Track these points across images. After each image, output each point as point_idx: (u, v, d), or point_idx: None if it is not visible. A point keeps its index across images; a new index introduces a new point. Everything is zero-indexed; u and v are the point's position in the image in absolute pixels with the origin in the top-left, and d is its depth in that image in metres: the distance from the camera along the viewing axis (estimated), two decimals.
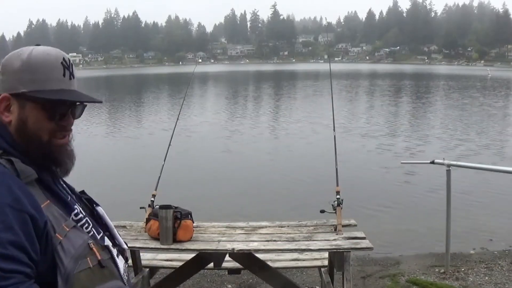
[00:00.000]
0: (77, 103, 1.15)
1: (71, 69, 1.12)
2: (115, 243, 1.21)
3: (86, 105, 1.19)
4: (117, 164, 11.96)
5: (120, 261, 1.16)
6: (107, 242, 1.15)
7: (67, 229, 1.01)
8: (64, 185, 1.18)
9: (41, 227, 0.95)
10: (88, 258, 1.02)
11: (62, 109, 1.11)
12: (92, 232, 1.10)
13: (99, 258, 1.04)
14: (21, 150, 1.06)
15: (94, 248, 1.04)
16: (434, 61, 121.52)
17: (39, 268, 0.93)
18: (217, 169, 10.91)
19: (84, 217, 1.11)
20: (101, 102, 1.24)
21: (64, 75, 1.10)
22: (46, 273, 0.95)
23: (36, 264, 0.92)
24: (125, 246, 1.26)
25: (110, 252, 1.10)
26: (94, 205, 1.24)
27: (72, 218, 1.07)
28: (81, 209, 1.13)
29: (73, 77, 1.13)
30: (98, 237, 1.12)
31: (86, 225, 1.11)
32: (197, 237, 3.19)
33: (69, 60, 1.12)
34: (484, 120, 18.43)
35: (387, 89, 36.89)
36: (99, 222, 1.22)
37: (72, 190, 1.21)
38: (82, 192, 1.24)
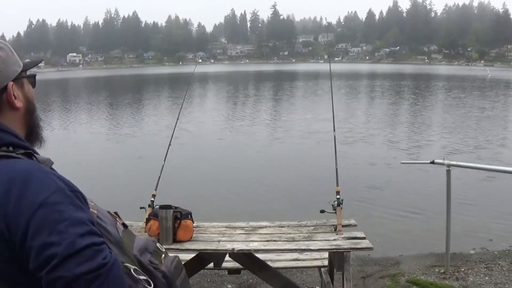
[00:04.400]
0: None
1: None
2: None
3: None
4: (117, 164, 11.95)
5: None
6: None
7: (93, 203, 1.10)
8: None
9: (87, 203, 1.04)
10: (117, 224, 1.15)
11: (35, 77, 1.21)
12: None
13: (121, 221, 1.18)
14: (25, 140, 1.11)
15: (114, 215, 1.18)
16: (434, 61, 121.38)
17: None
18: (217, 169, 10.91)
19: None
20: (42, 60, 1.48)
21: None
22: None
23: None
24: None
25: (119, 217, 1.22)
26: None
27: None
28: None
29: None
30: None
31: None
32: (197, 237, 3.19)
33: None
34: (481, 121, 18.43)
35: (387, 90, 36.90)
36: None
37: None
38: None
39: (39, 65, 1.30)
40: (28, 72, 1.18)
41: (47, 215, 0.91)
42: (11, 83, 1.09)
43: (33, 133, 1.16)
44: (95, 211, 1.06)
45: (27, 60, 1.22)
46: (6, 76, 1.09)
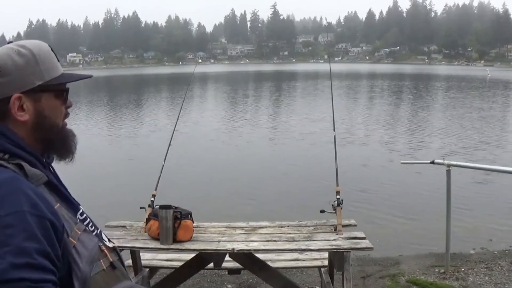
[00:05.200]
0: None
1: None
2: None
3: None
4: (117, 164, 11.96)
5: None
6: (105, 238, 1.15)
7: (79, 232, 1.01)
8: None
9: (60, 231, 0.94)
10: (101, 261, 1.03)
11: (67, 92, 1.14)
12: (96, 231, 1.10)
13: (111, 260, 1.06)
14: (30, 151, 1.03)
15: (105, 250, 1.06)
16: (434, 61, 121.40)
17: (59, 274, 0.92)
18: (217, 169, 10.91)
19: (87, 216, 1.11)
20: (91, 76, 1.26)
21: (58, 60, 1.13)
22: (63, 278, 0.94)
23: (58, 269, 0.92)
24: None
25: (118, 253, 1.12)
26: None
27: (78, 218, 1.06)
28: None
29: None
30: (101, 235, 1.12)
31: (91, 223, 1.10)
32: (197, 237, 3.19)
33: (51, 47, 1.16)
34: (481, 121, 18.43)
35: (386, 90, 36.91)
36: None
37: None
38: None
39: None
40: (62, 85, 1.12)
41: None
42: (18, 94, 1.02)
43: (49, 150, 1.10)
44: (74, 241, 0.98)
45: (73, 72, 1.16)
46: (15, 85, 1.02)
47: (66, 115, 1.14)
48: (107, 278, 1.03)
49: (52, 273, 0.89)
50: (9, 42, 1.10)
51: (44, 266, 0.87)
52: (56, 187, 1.06)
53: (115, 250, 1.12)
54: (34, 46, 1.08)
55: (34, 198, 0.92)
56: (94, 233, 1.09)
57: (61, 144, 1.11)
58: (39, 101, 1.06)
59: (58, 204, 1.01)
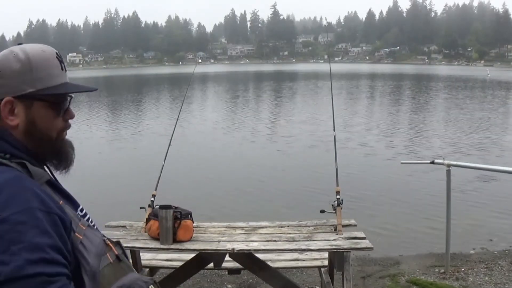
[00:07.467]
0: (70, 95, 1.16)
1: (64, 63, 1.15)
2: None
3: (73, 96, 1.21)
4: (117, 164, 11.96)
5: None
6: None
7: (84, 228, 1.03)
8: None
9: (68, 227, 0.97)
10: (108, 254, 1.05)
11: (65, 103, 1.12)
12: (96, 226, 1.12)
13: (116, 253, 1.08)
14: (28, 152, 1.05)
15: (110, 244, 1.09)
16: (434, 61, 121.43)
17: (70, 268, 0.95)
18: (217, 169, 10.91)
19: (87, 212, 1.13)
20: (96, 89, 1.23)
21: (62, 69, 1.12)
22: (72, 273, 0.95)
23: (69, 264, 0.94)
24: None
25: (121, 247, 1.13)
26: None
27: (78, 214, 1.08)
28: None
29: (66, 70, 1.15)
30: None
31: (91, 219, 1.12)
32: (197, 237, 3.19)
33: (60, 54, 1.14)
34: (481, 121, 18.42)
35: (385, 90, 36.91)
36: None
37: None
38: None
39: None
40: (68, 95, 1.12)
41: (4, 233, 0.87)
42: (9, 98, 1.03)
43: (42, 160, 1.10)
44: (80, 236, 1.00)
45: (78, 84, 1.15)
46: (6, 89, 1.04)
47: (66, 127, 1.13)
48: (114, 271, 1.05)
49: (65, 267, 0.91)
50: (19, 44, 1.10)
51: (57, 260, 0.89)
52: (57, 185, 1.07)
53: (118, 243, 1.13)
54: (35, 51, 1.07)
55: (41, 195, 0.94)
56: (95, 228, 1.11)
57: (54, 156, 1.11)
58: (30, 109, 1.06)
59: (62, 201, 1.02)
